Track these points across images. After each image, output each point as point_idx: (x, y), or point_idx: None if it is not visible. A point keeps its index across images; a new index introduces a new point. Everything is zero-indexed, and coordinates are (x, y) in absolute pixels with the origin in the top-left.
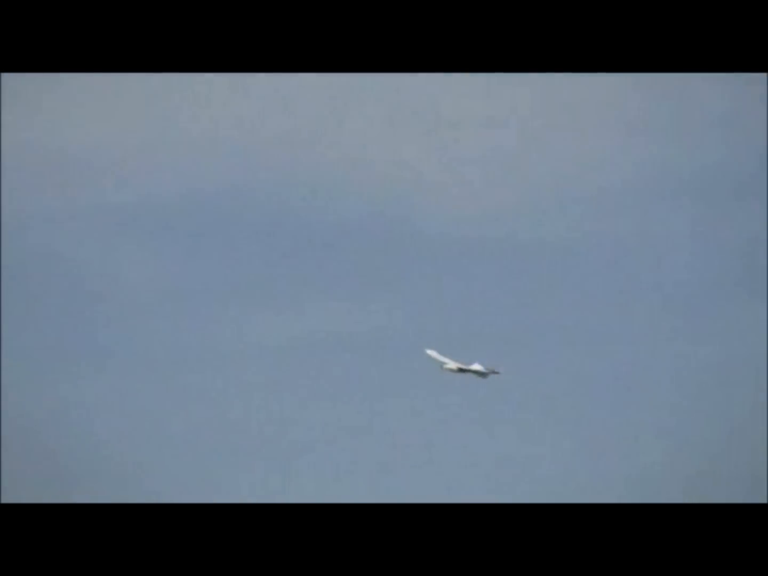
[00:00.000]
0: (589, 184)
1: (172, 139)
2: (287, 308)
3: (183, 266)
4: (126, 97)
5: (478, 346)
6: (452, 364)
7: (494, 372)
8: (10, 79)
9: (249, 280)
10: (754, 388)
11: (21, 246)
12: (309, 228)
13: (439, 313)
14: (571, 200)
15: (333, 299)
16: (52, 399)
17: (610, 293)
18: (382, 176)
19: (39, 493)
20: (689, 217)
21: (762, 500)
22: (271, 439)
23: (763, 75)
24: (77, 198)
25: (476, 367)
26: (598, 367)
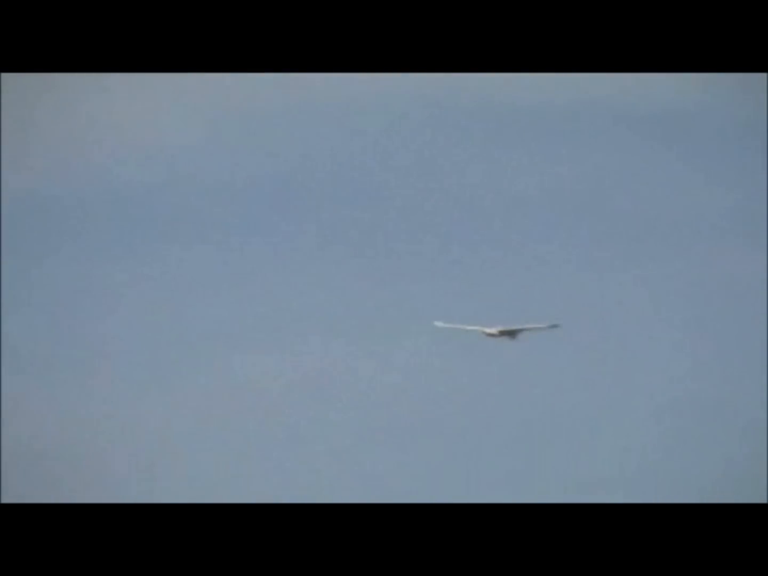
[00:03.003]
0: None
1: None
2: None
3: None
4: None
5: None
6: (491, 329)
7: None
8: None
9: None
10: (754, 384)
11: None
12: None
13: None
14: None
15: None
16: (53, 399)
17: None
18: None
19: (39, 493)
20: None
21: (762, 500)
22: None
23: (763, 75)
24: None
25: (531, 325)
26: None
